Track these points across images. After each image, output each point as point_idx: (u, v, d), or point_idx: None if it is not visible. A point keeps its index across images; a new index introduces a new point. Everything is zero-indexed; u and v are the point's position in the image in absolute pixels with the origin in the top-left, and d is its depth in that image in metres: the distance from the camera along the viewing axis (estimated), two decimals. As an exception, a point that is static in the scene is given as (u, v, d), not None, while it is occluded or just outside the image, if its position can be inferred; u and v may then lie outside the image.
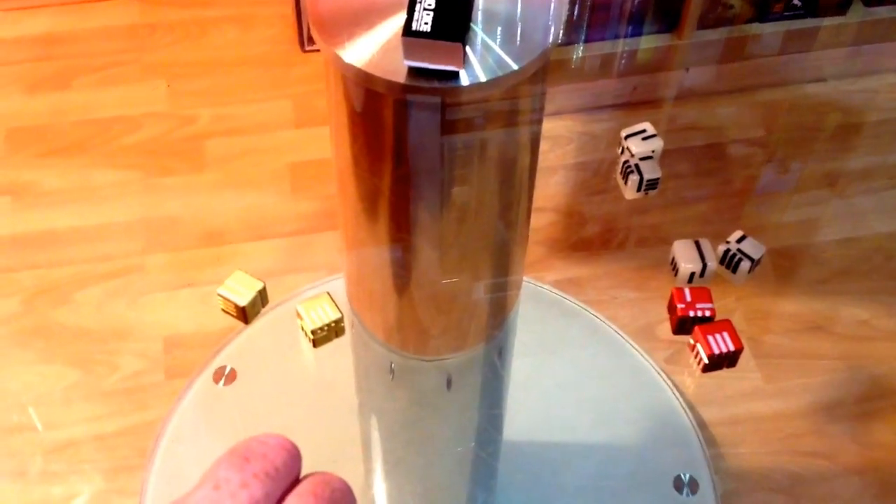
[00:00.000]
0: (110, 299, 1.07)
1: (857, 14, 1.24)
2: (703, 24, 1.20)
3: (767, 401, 1.02)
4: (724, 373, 1.02)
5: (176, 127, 1.22)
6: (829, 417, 1.01)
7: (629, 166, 0.82)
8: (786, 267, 1.12)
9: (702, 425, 0.99)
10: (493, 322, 0.70)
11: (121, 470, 0.95)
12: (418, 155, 0.52)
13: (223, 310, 0.82)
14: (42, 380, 1.01)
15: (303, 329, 0.83)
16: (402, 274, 0.63)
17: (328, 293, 0.84)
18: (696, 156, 1.22)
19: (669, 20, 1.20)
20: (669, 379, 1.00)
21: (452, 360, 0.70)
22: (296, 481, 0.36)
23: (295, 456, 0.36)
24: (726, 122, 1.25)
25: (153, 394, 1.00)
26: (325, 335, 0.84)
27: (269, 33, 1.31)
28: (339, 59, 0.47)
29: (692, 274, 0.83)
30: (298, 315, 0.85)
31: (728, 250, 0.84)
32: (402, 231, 0.59)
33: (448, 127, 0.50)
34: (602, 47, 1.21)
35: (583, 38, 1.20)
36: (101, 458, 0.96)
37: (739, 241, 0.84)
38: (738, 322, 1.05)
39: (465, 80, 0.46)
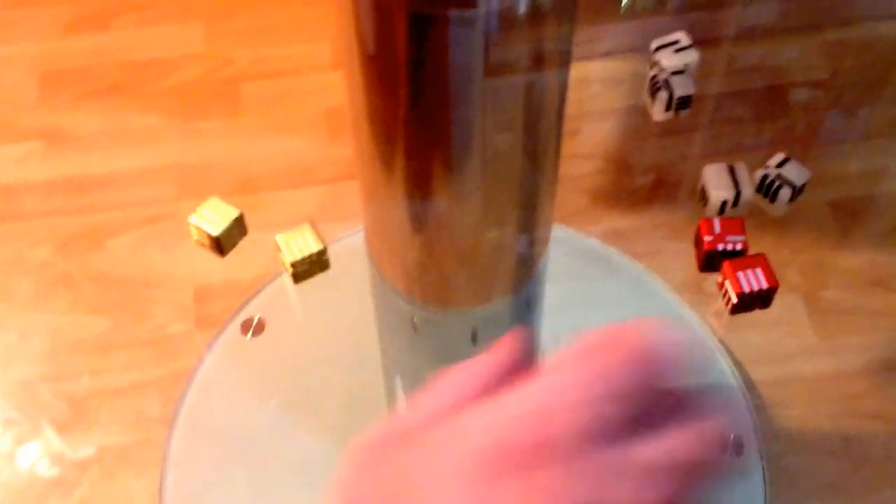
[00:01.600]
0: (144, 246, 1.05)
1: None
2: (766, -43, 1.13)
3: (822, 359, 0.96)
4: (775, 329, 0.97)
5: (213, 69, 1.19)
6: (889, 377, 0.95)
7: (657, 82, 0.73)
8: (847, 218, 1.05)
9: (749, 384, 0.94)
10: (521, 273, 0.66)
11: (148, 420, 0.94)
12: (429, 84, 0.48)
13: (197, 241, 0.75)
14: (74, 328, 1.00)
15: (283, 263, 0.75)
16: (419, 224, 0.59)
17: (309, 223, 0.77)
18: (756, 99, 1.15)
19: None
20: (716, 335, 0.95)
21: (477, 312, 0.66)
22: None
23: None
24: (789, 63, 1.18)
25: (182, 344, 0.98)
26: (306, 269, 0.78)
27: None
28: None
29: (724, 203, 0.73)
30: (278, 247, 0.77)
31: (766, 175, 0.74)
32: (415, 177, 0.55)
33: (462, 51, 0.46)
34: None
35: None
36: (129, 408, 0.95)
37: (780, 164, 0.74)
38: (792, 276, 0.99)
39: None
